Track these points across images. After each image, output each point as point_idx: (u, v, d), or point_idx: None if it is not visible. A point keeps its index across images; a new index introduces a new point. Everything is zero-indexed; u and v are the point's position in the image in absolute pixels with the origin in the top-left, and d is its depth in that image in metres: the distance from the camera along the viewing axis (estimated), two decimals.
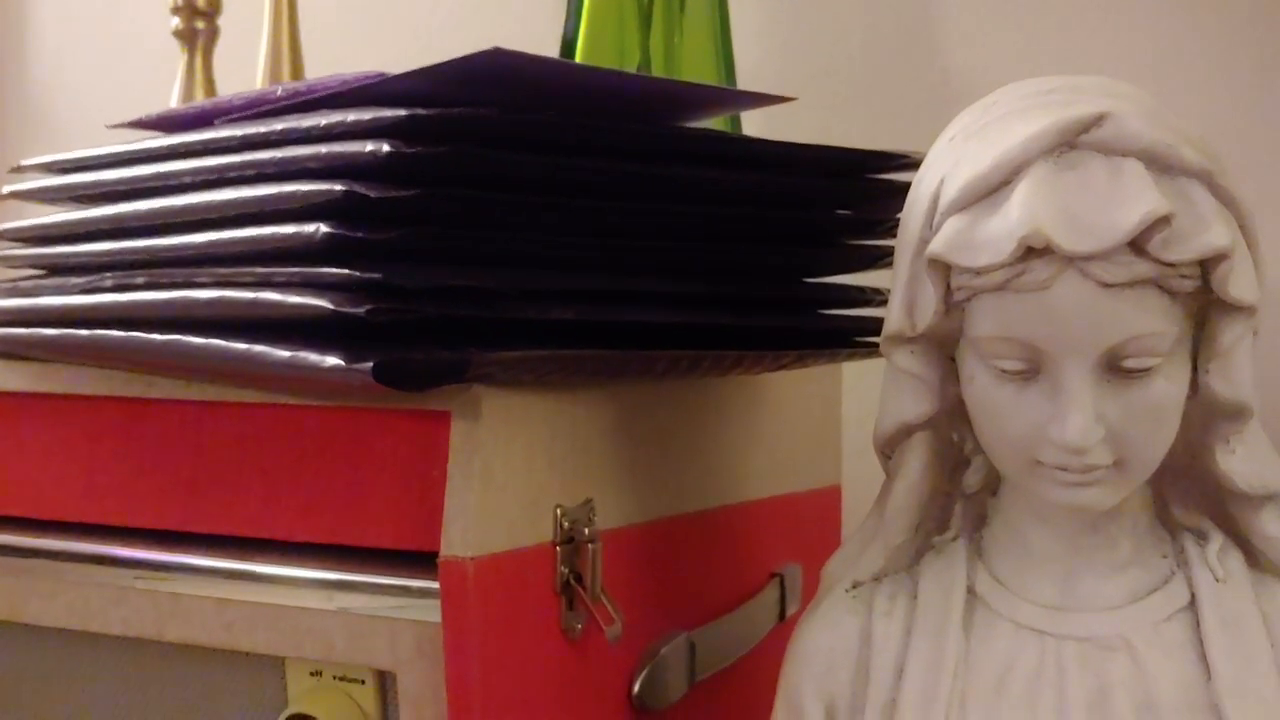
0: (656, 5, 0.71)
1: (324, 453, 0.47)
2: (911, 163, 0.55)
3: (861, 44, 0.84)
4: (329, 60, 0.84)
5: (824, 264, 0.58)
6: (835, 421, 0.74)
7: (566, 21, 0.71)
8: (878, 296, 0.59)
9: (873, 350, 0.60)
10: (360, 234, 0.40)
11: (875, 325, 0.59)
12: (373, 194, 0.40)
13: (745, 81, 0.74)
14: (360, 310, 0.39)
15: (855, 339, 0.60)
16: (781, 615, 0.64)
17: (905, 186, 0.56)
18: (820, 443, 0.71)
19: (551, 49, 0.71)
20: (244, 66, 0.80)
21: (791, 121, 0.76)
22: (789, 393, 0.66)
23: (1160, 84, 0.76)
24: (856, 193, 0.57)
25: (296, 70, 0.77)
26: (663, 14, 0.71)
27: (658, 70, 0.71)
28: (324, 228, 0.40)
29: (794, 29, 0.86)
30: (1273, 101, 0.74)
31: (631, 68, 0.71)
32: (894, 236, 0.58)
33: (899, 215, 0.58)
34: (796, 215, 0.55)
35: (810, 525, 0.70)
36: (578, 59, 0.71)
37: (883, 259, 0.59)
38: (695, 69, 0.72)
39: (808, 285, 0.58)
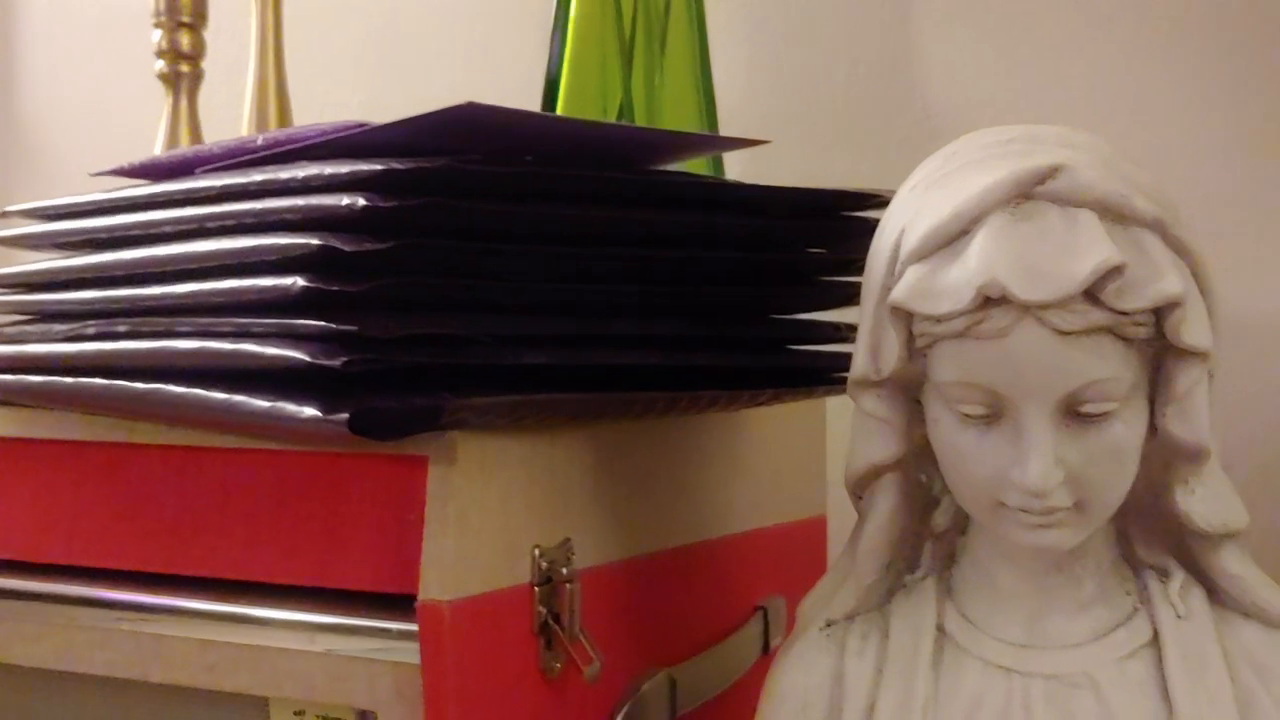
0: (638, 45, 0.72)
1: (304, 497, 0.48)
2: (884, 202, 0.56)
3: (843, 82, 0.85)
4: (314, 99, 0.85)
5: (799, 302, 0.59)
6: (820, 452, 0.74)
7: (550, 62, 0.72)
8: (852, 333, 0.60)
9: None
10: (336, 287, 0.41)
11: (849, 362, 0.60)
12: (348, 248, 0.41)
13: (727, 119, 0.75)
14: (337, 362, 0.40)
15: (832, 375, 0.61)
16: (765, 648, 0.65)
17: (875, 225, 0.57)
18: (804, 474, 0.72)
19: (536, 88, 0.72)
20: (232, 103, 0.81)
21: (773, 159, 0.77)
22: (772, 425, 0.67)
23: (1136, 119, 0.77)
24: (831, 232, 0.58)
25: (282, 110, 0.78)
26: (644, 54, 0.72)
27: (639, 109, 0.72)
28: (300, 281, 0.41)
29: (776, 67, 0.87)
30: (1246, 134, 0.75)
31: (614, 107, 0.72)
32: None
33: None
34: (771, 256, 0.56)
35: (795, 557, 0.70)
36: (561, 98, 0.72)
37: (856, 296, 0.59)
38: (677, 108, 0.73)
39: (783, 323, 0.59)
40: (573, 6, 0.71)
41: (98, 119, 1.11)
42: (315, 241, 0.41)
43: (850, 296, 0.59)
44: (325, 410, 0.40)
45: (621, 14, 0.72)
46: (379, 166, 0.42)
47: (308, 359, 0.40)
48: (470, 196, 0.44)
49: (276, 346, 0.42)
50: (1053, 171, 0.39)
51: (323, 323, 0.41)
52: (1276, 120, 0.74)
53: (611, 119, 0.71)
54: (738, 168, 0.76)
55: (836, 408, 0.75)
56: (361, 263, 0.42)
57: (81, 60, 1.14)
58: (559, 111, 0.71)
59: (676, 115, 0.73)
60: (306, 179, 0.44)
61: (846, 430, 0.75)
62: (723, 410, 0.58)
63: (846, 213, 0.57)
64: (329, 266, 0.42)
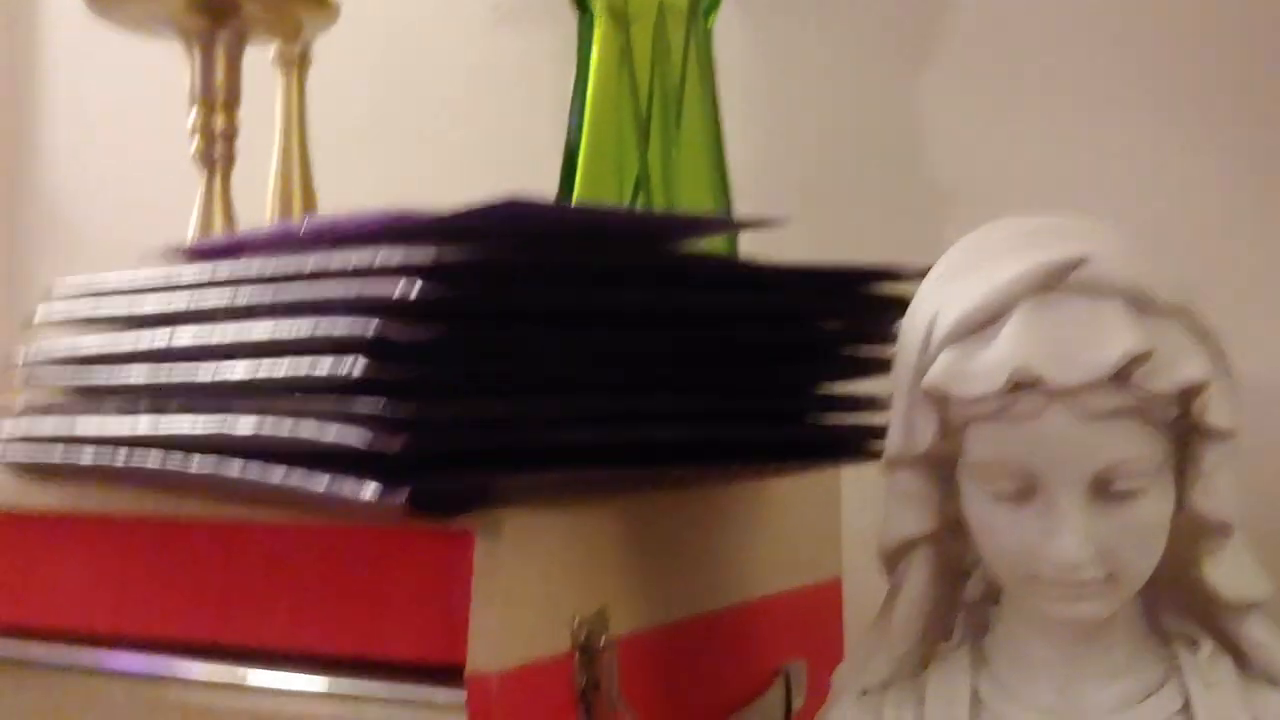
0: (654, 119, 0.74)
1: (350, 570, 0.49)
2: (899, 276, 0.58)
3: (851, 155, 0.86)
4: (330, 174, 0.86)
5: (821, 375, 0.60)
6: (835, 515, 0.75)
7: (569, 135, 0.74)
8: (875, 404, 0.62)
9: (875, 456, 0.62)
10: (394, 372, 0.43)
11: (874, 431, 0.61)
12: (404, 334, 0.42)
13: (739, 188, 0.77)
14: (395, 446, 0.41)
15: (857, 445, 0.62)
16: (788, 713, 0.66)
17: (894, 299, 0.59)
18: (821, 536, 0.73)
19: (551, 158, 0.74)
20: (251, 179, 0.82)
21: (782, 230, 0.79)
22: (790, 489, 0.68)
23: (1141, 195, 0.78)
24: (849, 307, 0.60)
25: (307, 189, 0.80)
26: (660, 128, 0.74)
27: (656, 181, 0.74)
28: (359, 365, 0.43)
29: (785, 140, 0.88)
30: (1252, 209, 0.76)
31: (631, 178, 0.74)
32: (886, 345, 0.61)
33: (890, 325, 0.61)
34: (793, 330, 0.57)
35: (813, 619, 0.71)
36: (580, 170, 0.73)
37: (877, 367, 0.61)
38: (691, 179, 0.75)
39: (807, 396, 0.61)
40: (590, 81, 0.73)
41: (120, 195, 1.13)
42: (372, 328, 0.43)
43: (869, 368, 0.61)
44: (383, 490, 0.42)
45: (638, 88, 0.74)
46: (430, 256, 0.44)
47: (368, 441, 0.42)
48: (516, 283, 0.46)
49: (335, 428, 0.43)
50: (1079, 263, 0.41)
51: (380, 406, 0.42)
52: None
53: (628, 190, 0.73)
54: (749, 238, 0.78)
55: (850, 471, 0.76)
56: (413, 347, 0.44)
57: (104, 138, 1.15)
58: (578, 183, 0.73)
59: (691, 187, 0.75)
60: (359, 265, 0.46)
61: (860, 492, 0.77)
62: (749, 481, 0.59)
63: (861, 287, 0.59)
64: (384, 351, 0.43)
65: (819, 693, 0.66)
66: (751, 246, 0.72)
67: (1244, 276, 0.76)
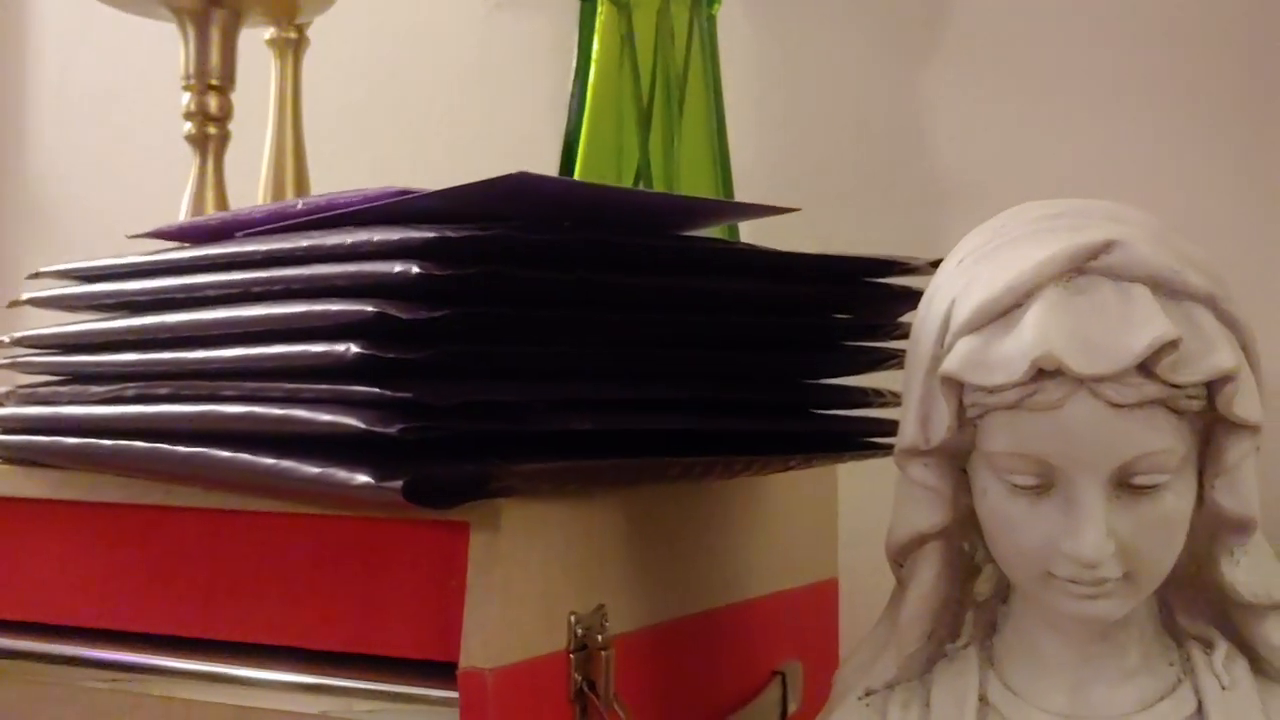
0: (656, 107, 0.73)
1: (342, 562, 0.48)
2: (908, 269, 0.57)
3: (853, 145, 0.86)
4: (323, 158, 0.85)
5: (827, 367, 0.59)
6: (832, 514, 0.74)
7: (568, 122, 0.72)
8: (879, 398, 0.60)
9: (877, 451, 0.61)
10: (391, 354, 0.41)
11: (878, 426, 0.61)
12: (403, 315, 0.41)
13: (740, 179, 0.76)
14: (392, 430, 0.40)
15: (860, 440, 0.61)
16: (783, 714, 0.65)
17: (902, 291, 0.58)
18: (817, 536, 0.72)
19: (551, 146, 0.72)
20: (244, 162, 0.81)
21: (785, 220, 0.78)
22: (787, 488, 0.67)
23: (1144, 183, 0.78)
24: (856, 298, 0.58)
25: (300, 171, 0.79)
26: (662, 116, 0.73)
27: (657, 171, 0.72)
28: (354, 347, 0.41)
29: (787, 130, 0.88)
30: (1257, 198, 0.76)
31: (631, 168, 0.72)
32: (892, 339, 0.60)
33: (898, 319, 0.60)
34: (800, 321, 0.56)
35: (809, 620, 0.70)
36: (579, 158, 0.72)
37: (883, 361, 0.60)
38: (693, 169, 0.74)
39: (811, 388, 0.59)
40: (592, 69, 0.72)
41: (107, 179, 1.11)
42: (370, 308, 0.41)
43: (878, 361, 0.60)
44: (378, 478, 0.40)
45: (639, 77, 0.73)
46: (431, 234, 0.42)
47: (363, 426, 0.40)
48: (519, 264, 0.44)
49: (329, 413, 0.42)
50: (1107, 246, 0.39)
51: (377, 390, 0.41)
52: None
53: (628, 181, 0.72)
54: (750, 228, 0.77)
55: (847, 471, 0.76)
56: (412, 329, 0.42)
57: (91, 122, 1.14)
58: (577, 172, 0.72)
59: (693, 177, 0.74)
60: (355, 244, 0.44)
61: (857, 494, 0.76)
62: (754, 475, 0.58)
63: (871, 279, 0.58)
64: (382, 333, 0.42)
65: (814, 695, 0.65)
66: (752, 237, 0.70)
67: (1248, 270, 0.75)
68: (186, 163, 0.77)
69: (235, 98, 0.77)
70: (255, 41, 0.81)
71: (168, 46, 0.79)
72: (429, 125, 0.99)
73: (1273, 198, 0.75)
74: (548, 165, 0.72)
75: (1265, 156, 0.76)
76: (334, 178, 0.79)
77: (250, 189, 0.80)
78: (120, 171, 1.10)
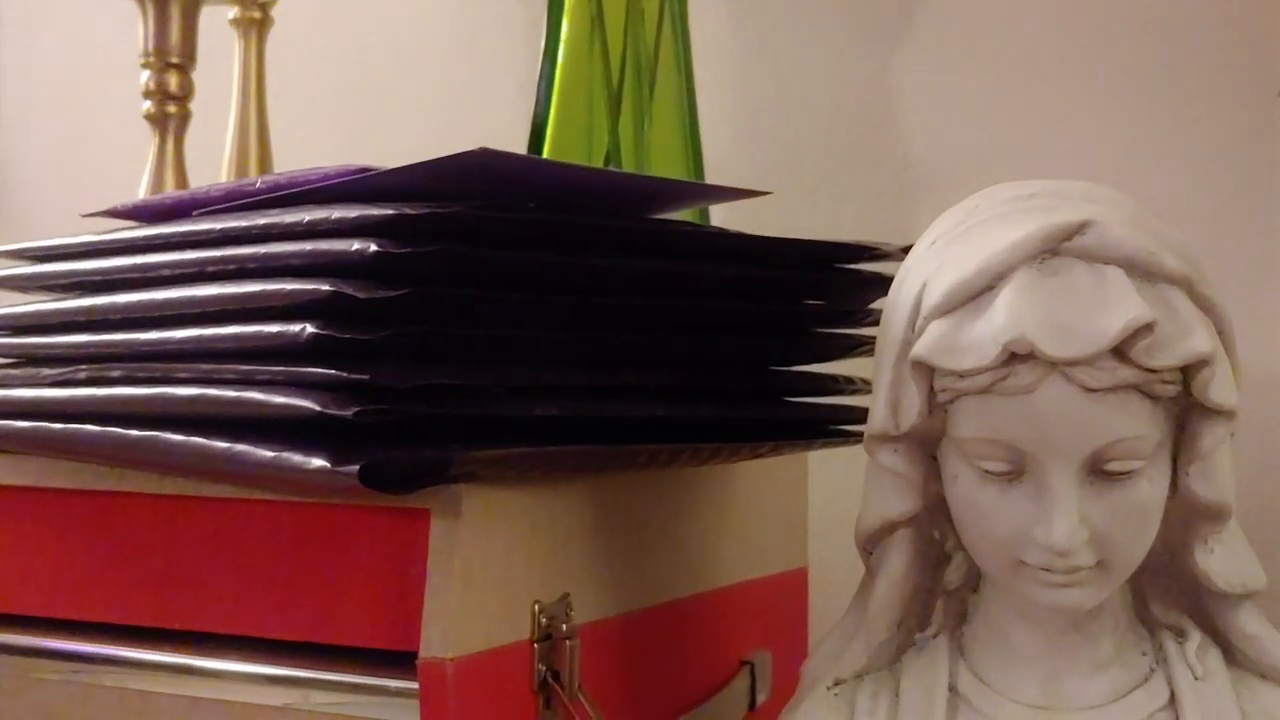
0: (626, 90, 0.72)
1: (299, 549, 0.47)
2: (879, 255, 0.56)
3: (825, 132, 0.85)
4: (293, 140, 0.84)
5: (797, 354, 0.58)
6: (801, 503, 0.74)
7: (537, 105, 0.71)
8: (850, 385, 0.60)
9: (848, 439, 0.60)
10: (349, 335, 0.40)
11: (849, 413, 0.60)
12: (360, 295, 0.40)
13: (712, 165, 0.75)
14: (348, 413, 0.39)
15: (831, 427, 0.61)
16: (752, 704, 0.64)
17: (874, 278, 0.57)
18: (787, 525, 0.71)
19: (521, 131, 0.71)
20: (206, 142, 0.80)
21: (756, 207, 0.77)
22: (757, 476, 0.67)
23: (1116, 170, 0.78)
24: (827, 284, 0.58)
25: (264, 152, 0.77)
26: (632, 99, 0.72)
27: (627, 154, 0.71)
28: (310, 328, 0.40)
29: (759, 115, 0.87)
30: (1232, 185, 0.75)
31: (600, 151, 0.71)
32: (864, 325, 0.59)
33: (869, 305, 0.59)
34: (770, 306, 0.55)
35: (778, 609, 0.70)
36: (548, 141, 0.71)
37: (854, 348, 0.59)
38: (664, 153, 0.73)
39: (782, 375, 0.59)
40: (561, 50, 0.71)
41: (71, 160, 1.10)
42: (326, 287, 0.40)
43: (847, 348, 0.59)
44: (334, 462, 0.39)
45: (610, 58, 0.72)
46: (390, 211, 0.41)
47: (318, 409, 0.39)
48: (481, 243, 0.43)
49: (284, 395, 0.40)
50: (1081, 227, 0.38)
51: (333, 371, 0.40)
52: (1261, 172, 0.75)
53: (598, 164, 0.71)
54: (721, 215, 0.76)
55: (818, 459, 0.75)
56: (370, 310, 0.41)
57: (54, 102, 1.12)
58: (545, 155, 0.71)
59: (663, 161, 0.73)
60: (313, 222, 0.43)
61: (827, 482, 0.76)
62: (722, 462, 0.57)
63: (843, 265, 0.57)
64: (339, 313, 0.41)
65: (783, 685, 0.64)
66: (723, 223, 0.70)
67: (1223, 255, 0.74)
68: (149, 145, 0.76)
69: (201, 80, 0.75)
70: (221, 21, 0.80)
71: (133, 28, 0.77)
72: (400, 109, 0.97)
73: (1245, 182, 0.75)
74: (519, 148, 0.71)
75: (1237, 141, 0.75)
76: (302, 162, 0.78)
77: (212, 173, 0.79)
78: (85, 154, 1.09)
